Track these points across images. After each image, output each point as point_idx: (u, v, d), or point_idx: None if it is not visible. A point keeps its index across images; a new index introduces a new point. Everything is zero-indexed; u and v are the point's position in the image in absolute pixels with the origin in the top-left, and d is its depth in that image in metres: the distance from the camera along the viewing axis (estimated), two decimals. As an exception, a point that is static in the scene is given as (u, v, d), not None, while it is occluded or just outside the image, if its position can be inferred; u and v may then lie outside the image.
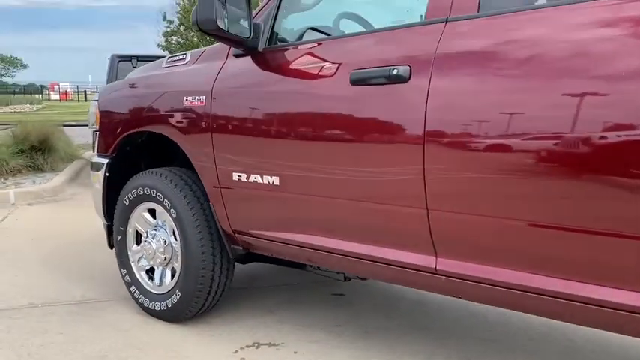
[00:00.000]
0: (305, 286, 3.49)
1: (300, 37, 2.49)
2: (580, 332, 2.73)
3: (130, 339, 2.75)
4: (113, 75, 7.95)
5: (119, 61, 8.22)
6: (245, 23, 2.28)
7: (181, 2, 22.72)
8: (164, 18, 23.76)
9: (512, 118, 1.69)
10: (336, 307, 3.19)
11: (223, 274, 2.82)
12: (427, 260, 1.94)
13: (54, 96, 58.70)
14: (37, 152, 7.91)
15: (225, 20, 2.13)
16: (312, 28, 2.52)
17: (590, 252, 1.61)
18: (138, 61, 7.77)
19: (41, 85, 77.65)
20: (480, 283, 1.85)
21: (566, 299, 1.68)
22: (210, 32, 2.16)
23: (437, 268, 1.93)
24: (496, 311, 2.80)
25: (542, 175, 1.64)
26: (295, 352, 2.62)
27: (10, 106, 33.70)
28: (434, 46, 1.85)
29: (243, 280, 3.54)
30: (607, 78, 1.51)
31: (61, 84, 63.18)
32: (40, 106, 38.34)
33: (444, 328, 2.93)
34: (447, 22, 1.86)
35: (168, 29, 24.01)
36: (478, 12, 1.81)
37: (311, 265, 2.68)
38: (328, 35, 2.53)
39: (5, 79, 60.34)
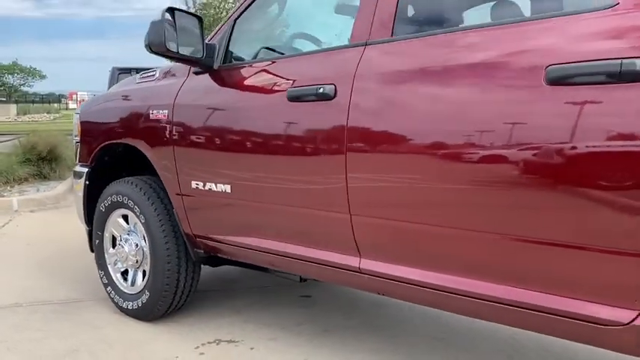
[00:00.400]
0: (275, 288, 3.68)
1: (255, 56, 2.69)
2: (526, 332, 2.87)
3: (102, 335, 2.96)
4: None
5: (119, 73, 8.51)
6: (199, 44, 2.49)
7: (193, 10, 23.17)
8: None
9: (419, 132, 1.87)
10: (301, 308, 3.37)
11: (189, 276, 3.02)
12: (352, 260, 2.12)
13: (72, 105, 59.71)
14: (44, 161, 8.20)
15: (176, 42, 2.34)
16: (267, 48, 2.72)
17: (489, 253, 1.78)
18: (137, 73, 8.03)
19: (60, 95, 79.04)
20: (398, 282, 2.03)
21: (475, 298, 1.84)
22: (161, 54, 2.38)
23: (360, 267, 2.11)
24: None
25: (441, 184, 1.82)
26: (252, 349, 2.81)
27: (28, 115, 34.49)
28: (354, 67, 2.04)
29: (218, 282, 3.75)
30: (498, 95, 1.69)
31: (79, 93, 64.18)
32: (58, 115, 39.15)
33: (397, 326, 3.10)
34: (366, 45, 2.06)
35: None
36: (392, 36, 2.00)
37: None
38: (282, 54, 2.73)
39: (24, 89, 61.75)
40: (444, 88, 1.82)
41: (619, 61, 1.41)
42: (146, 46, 2.35)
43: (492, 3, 2.13)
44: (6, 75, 53.89)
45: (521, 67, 1.63)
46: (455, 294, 1.87)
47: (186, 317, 3.19)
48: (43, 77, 63.38)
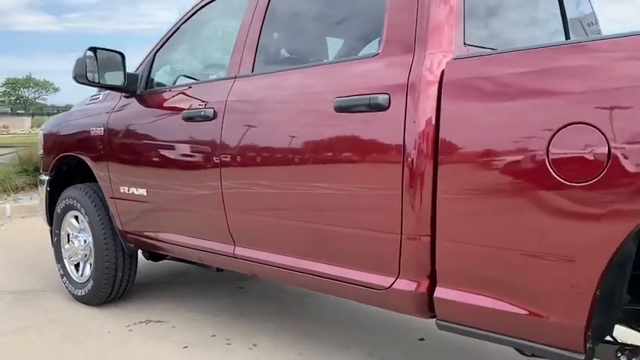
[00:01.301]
0: (216, 281, 4.21)
1: (173, 82, 3.26)
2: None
3: (52, 317, 3.52)
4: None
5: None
6: (121, 74, 3.06)
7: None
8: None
9: (265, 147, 2.42)
10: (230, 297, 3.91)
11: (126, 267, 3.58)
12: (228, 248, 2.67)
13: (86, 117, 60.88)
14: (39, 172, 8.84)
15: (97, 74, 2.92)
16: (185, 75, 3.28)
17: (310, 239, 2.32)
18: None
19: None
20: (262, 264, 2.57)
21: (305, 273, 2.36)
22: (85, 83, 2.96)
23: (235, 253, 2.65)
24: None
25: (281, 188, 2.36)
26: (173, 327, 3.35)
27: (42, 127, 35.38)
28: (227, 94, 2.60)
29: (165, 275, 4.31)
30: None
31: (94, 105, 65.39)
32: (70, 127, 39.96)
33: (304, 313, 3.62)
34: (235, 78, 2.62)
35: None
36: (252, 72, 2.56)
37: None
38: (195, 80, 3.29)
39: (39, 101, 63.47)
40: (272, 114, 2.38)
41: (369, 96, 1.96)
42: (73, 77, 2.93)
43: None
44: (21, 89, 55.44)
45: (319, 98, 2.18)
46: (294, 271, 2.40)
47: (126, 303, 3.74)
48: (56, 90, 65.08)
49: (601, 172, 1.48)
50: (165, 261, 3.81)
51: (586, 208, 1.52)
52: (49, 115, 58.36)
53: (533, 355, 1.86)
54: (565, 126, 1.55)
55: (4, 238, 5.82)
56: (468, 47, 1.96)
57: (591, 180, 1.50)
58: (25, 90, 54.71)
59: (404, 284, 2.00)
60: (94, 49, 2.95)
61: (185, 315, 3.54)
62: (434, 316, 1.99)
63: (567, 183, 1.54)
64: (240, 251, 2.64)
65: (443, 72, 1.85)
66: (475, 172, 1.75)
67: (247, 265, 2.64)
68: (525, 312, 1.71)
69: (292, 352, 2.96)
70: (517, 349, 1.93)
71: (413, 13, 1.97)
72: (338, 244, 2.19)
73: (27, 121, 42.05)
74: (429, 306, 1.97)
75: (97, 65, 2.93)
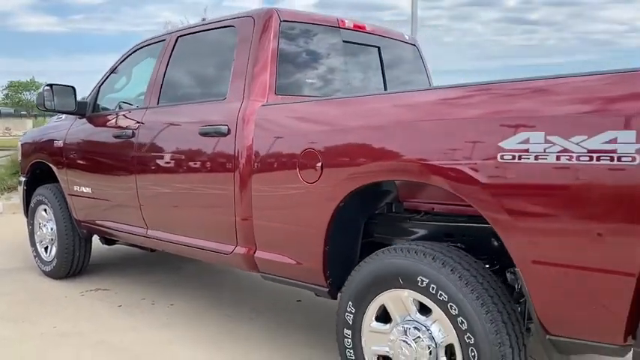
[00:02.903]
0: (159, 263, 5.26)
1: (115, 107, 4.31)
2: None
3: (26, 286, 4.58)
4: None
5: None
6: (72, 102, 4.12)
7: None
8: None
9: (156, 159, 3.47)
10: (166, 273, 4.95)
11: (82, 249, 4.63)
12: (143, 230, 3.73)
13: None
14: (31, 172, 9.91)
15: (54, 102, 3.98)
16: (123, 102, 4.33)
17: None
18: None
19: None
20: (161, 240, 3.62)
21: (179, 244, 3.42)
22: (44, 110, 4.01)
23: (147, 233, 3.71)
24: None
25: (164, 188, 3.41)
26: (116, 293, 4.40)
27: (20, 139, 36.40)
28: (141, 119, 3.65)
29: (118, 257, 5.37)
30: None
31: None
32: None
33: (211, 284, 4.67)
34: (147, 108, 3.67)
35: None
36: (157, 105, 3.62)
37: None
38: (130, 105, 4.33)
39: (43, 103, 64.75)
40: (165, 135, 3.44)
41: (218, 126, 3.01)
42: (36, 106, 3.99)
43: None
44: (23, 92, 56.72)
45: (191, 126, 3.23)
46: (177, 244, 3.46)
47: (83, 277, 4.79)
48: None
49: (319, 177, 2.53)
50: (118, 246, 4.86)
51: (312, 197, 2.57)
52: (51, 116, 59.69)
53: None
54: (304, 150, 2.60)
55: (-5, 230, 6.89)
56: (278, 96, 3.01)
57: (316, 181, 2.55)
58: (27, 93, 55.97)
59: (240, 250, 3.04)
60: (50, 85, 4.01)
61: (126, 285, 4.59)
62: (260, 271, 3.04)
63: (306, 182, 2.59)
64: (150, 232, 3.69)
65: (256, 113, 2.90)
66: (268, 177, 2.80)
67: (155, 242, 3.70)
68: (295, 262, 2.76)
69: (198, 307, 4.01)
70: (316, 294, 2.94)
71: (243, 78, 3.03)
72: (202, 225, 3.25)
73: (29, 123, 43.17)
74: (254, 264, 3.01)
75: (52, 96, 3.99)
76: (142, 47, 4.09)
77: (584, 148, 1.74)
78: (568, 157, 1.77)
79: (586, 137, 1.74)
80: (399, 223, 2.69)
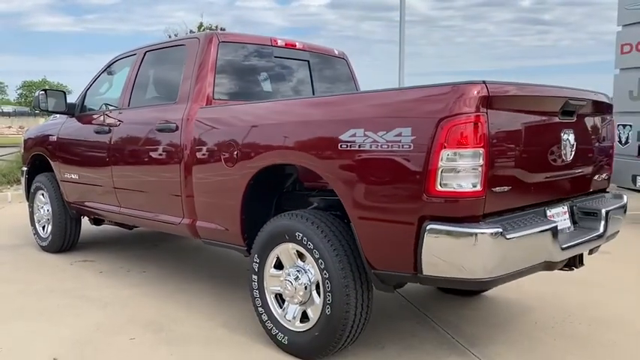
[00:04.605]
0: (140, 242, 6.15)
1: (98, 108, 5.19)
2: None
3: (26, 257, 5.48)
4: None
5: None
6: (63, 104, 5.02)
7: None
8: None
9: (130, 153, 4.35)
10: (145, 249, 5.83)
11: (73, 227, 5.53)
12: (117, 209, 4.62)
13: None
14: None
15: (47, 103, 4.87)
16: (105, 103, 5.21)
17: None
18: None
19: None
20: (131, 216, 4.51)
21: (138, 217, 4.30)
22: (39, 111, 4.91)
23: (120, 211, 4.60)
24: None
25: (134, 176, 4.29)
26: (99, 263, 5.29)
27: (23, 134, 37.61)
28: (118, 119, 4.53)
29: (106, 237, 6.27)
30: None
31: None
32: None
33: (186, 257, 5.55)
34: (121, 109, 4.56)
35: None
36: (128, 106, 4.51)
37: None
38: (107, 108, 5.20)
39: (54, 102, 66.51)
40: (132, 131, 4.31)
41: (170, 123, 3.88)
42: (31, 107, 4.87)
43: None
44: (36, 91, 58.12)
45: (152, 123, 4.10)
46: (141, 218, 4.34)
47: (73, 251, 5.68)
48: (69, 92, 67.63)
49: (236, 162, 3.39)
50: (105, 227, 5.74)
51: (231, 177, 3.43)
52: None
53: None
54: (227, 142, 3.46)
55: (3, 217, 7.82)
56: (215, 101, 3.87)
57: (233, 166, 3.41)
58: (40, 92, 57.43)
59: (186, 221, 3.91)
60: (44, 90, 4.91)
61: (109, 258, 5.48)
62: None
63: (228, 167, 3.45)
64: (122, 210, 4.58)
65: (197, 113, 3.77)
66: (204, 164, 3.66)
67: (126, 218, 4.59)
68: (223, 229, 3.62)
69: (165, 273, 4.90)
70: (245, 256, 3.80)
71: (188, 86, 3.89)
72: (159, 202, 4.13)
73: (42, 121, 44.46)
74: (196, 231, 3.88)
75: (46, 99, 4.88)
76: (120, 59, 4.97)
77: (384, 139, 2.60)
78: (376, 145, 2.63)
79: (385, 132, 2.60)
80: (299, 198, 3.55)
